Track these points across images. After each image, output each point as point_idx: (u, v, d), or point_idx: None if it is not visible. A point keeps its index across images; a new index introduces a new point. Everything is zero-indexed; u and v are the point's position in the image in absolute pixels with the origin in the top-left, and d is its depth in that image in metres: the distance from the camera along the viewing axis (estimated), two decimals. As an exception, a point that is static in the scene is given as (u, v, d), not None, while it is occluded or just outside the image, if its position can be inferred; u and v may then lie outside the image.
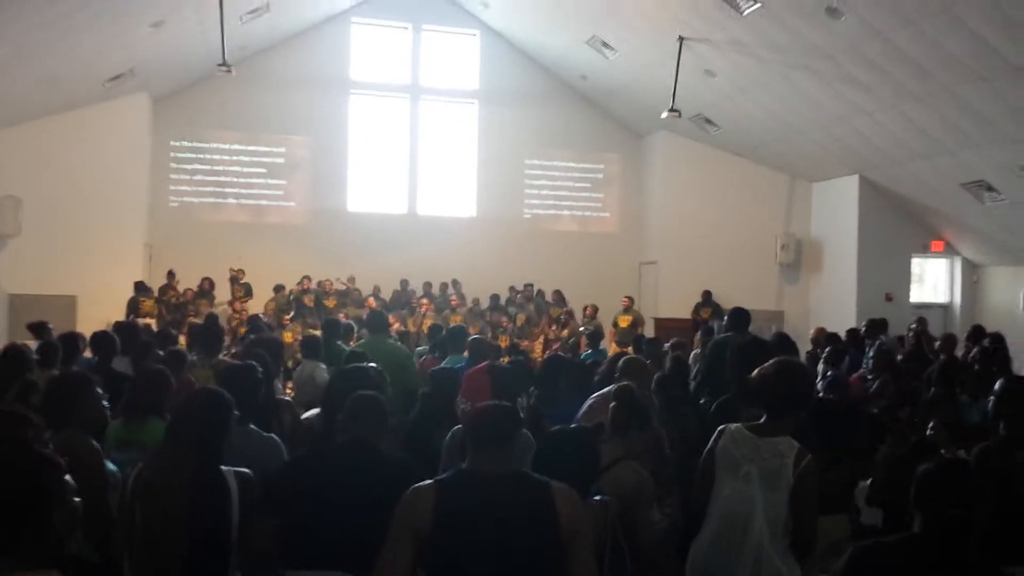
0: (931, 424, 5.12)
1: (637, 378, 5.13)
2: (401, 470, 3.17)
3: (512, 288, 16.32)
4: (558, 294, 15.95)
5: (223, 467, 3.18)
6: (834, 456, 4.30)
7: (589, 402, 5.21)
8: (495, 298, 16.08)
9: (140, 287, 14.03)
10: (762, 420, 3.47)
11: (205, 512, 3.05)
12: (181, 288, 14.71)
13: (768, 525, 3.26)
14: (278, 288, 14.89)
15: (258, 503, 3.23)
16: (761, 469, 3.32)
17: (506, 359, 8.85)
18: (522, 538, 2.44)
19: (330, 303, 14.94)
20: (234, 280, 14.91)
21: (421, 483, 2.60)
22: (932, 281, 16.92)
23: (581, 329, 14.63)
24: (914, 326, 11.29)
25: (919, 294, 16.57)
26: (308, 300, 14.66)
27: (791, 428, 3.42)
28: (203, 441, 3.15)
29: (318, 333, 8.96)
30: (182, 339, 9.74)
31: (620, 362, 5.39)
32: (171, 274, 14.76)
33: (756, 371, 3.55)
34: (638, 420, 4.17)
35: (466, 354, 7.39)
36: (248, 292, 14.92)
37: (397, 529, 2.53)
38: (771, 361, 3.60)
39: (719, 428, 3.54)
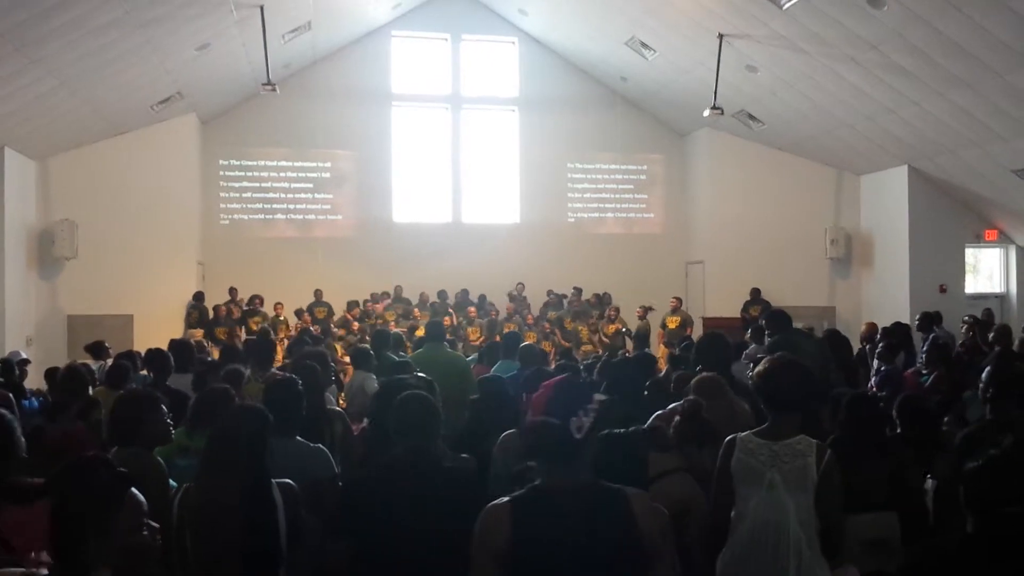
0: (946, 419, 5.05)
1: (711, 397, 4.92)
2: (461, 472, 3.17)
3: (550, 292, 16.46)
4: (603, 296, 15.96)
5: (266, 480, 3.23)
6: (868, 450, 4.26)
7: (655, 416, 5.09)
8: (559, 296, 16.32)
9: (197, 297, 14.62)
10: (768, 424, 3.41)
11: (255, 527, 3.08)
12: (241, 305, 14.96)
13: (802, 529, 3.21)
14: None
15: (326, 527, 3.26)
16: (784, 474, 3.25)
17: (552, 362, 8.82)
18: (603, 551, 2.38)
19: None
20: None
21: (496, 502, 2.56)
22: (987, 271, 16.58)
23: (624, 330, 14.60)
24: (967, 318, 11.08)
25: (974, 284, 16.25)
26: (355, 327, 14.84)
27: (799, 427, 3.37)
28: (244, 458, 3.17)
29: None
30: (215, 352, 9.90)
31: (693, 381, 5.17)
32: (233, 291, 15.04)
33: (755, 371, 3.51)
34: (700, 436, 4.12)
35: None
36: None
37: (477, 551, 2.50)
38: (765, 360, 3.54)
39: (726, 440, 3.46)
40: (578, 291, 16.11)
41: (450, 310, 15.59)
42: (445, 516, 2.91)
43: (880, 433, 4.45)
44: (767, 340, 6.62)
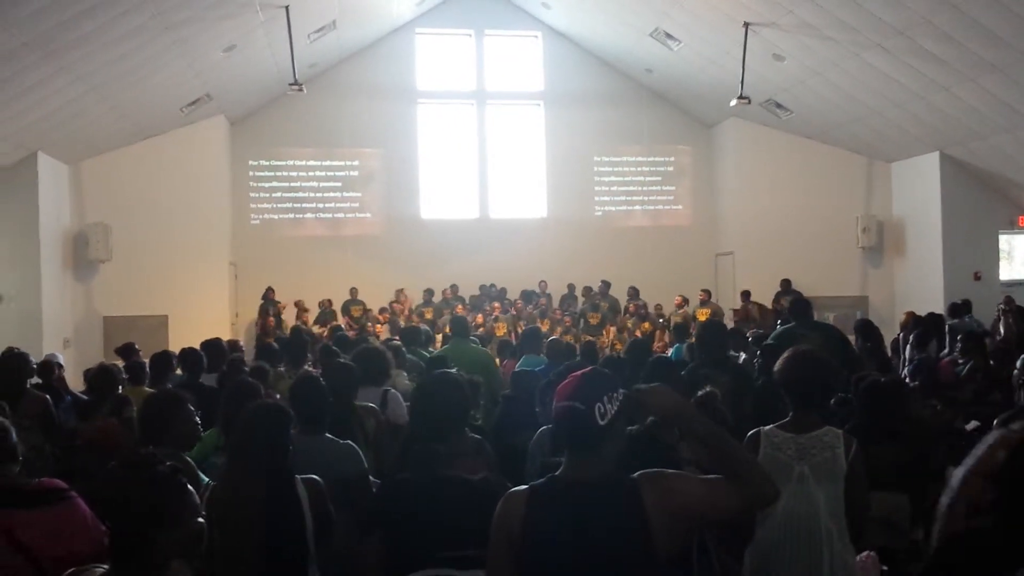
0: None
1: None
2: (490, 498, 3.17)
3: (570, 286, 16.54)
4: (633, 290, 15.93)
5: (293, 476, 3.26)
6: (880, 434, 4.29)
7: None
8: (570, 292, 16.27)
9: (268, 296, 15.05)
10: (790, 417, 3.41)
11: (280, 523, 3.12)
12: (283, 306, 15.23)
13: (832, 520, 3.23)
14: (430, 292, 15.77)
15: (359, 522, 3.29)
16: (814, 466, 3.27)
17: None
18: (612, 547, 2.34)
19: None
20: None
21: (516, 488, 2.55)
22: (1022, 257, 16.33)
23: (661, 321, 14.56)
24: (1002, 305, 10.92)
25: (1009, 271, 16.00)
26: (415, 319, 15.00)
27: (822, 419, 3.39)
28: (267, 454, 3.21)
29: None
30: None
31: None
32: (270, 290, 15.25)
33: (777, 365, 3.51)
34: None
35: (543, 355, 7.47)
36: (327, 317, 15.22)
37: (495, 536, 2.50)
38: (787, 353, 3.55)
39: (750, 434, 3.45)
40: (606, 284, 16.08)
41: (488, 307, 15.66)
42: (466, 529, 2.92)
43: (892, 418, 4.46)
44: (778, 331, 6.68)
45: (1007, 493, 2.46)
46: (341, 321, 14.67)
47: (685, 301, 14.67)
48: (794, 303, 6.89)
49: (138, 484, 2.14)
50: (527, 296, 16.25)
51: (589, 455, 2.43)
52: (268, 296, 15.21)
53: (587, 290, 16.32)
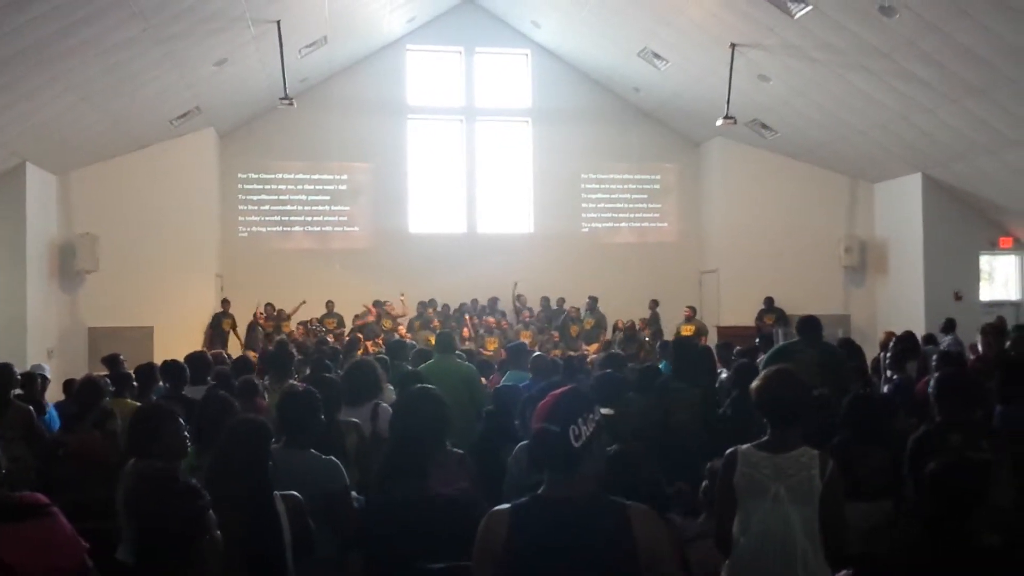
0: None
1: None
2: (469, 511, 3.19)
3: (544, 298, 16.64)
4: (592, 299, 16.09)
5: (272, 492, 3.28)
6: (866, 443, 4.39)
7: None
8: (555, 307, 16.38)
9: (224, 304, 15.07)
10: (767, 436, 3.42)
11: (259, 538, 3.13)
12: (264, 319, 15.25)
13: (808, 540, 3.23)
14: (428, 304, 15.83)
15: (344, 540, 3.29)
16: (789, 487, 3.27)
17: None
18: (596, 565, 2.37)
19: (387, 324, 15.19)
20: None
21: (498, 507, 2.57)
22: (1002, 278, 16.51)
23: (647, 338, 14.62)
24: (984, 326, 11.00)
25: (990, 292, 16.18)
26: (387, 323, 15.06)
27: (800, 438, 3.39)
28: (247, 470, 3.22)
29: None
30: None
31: None
32: (270, 306, 15.39)
33: (753, 385, 3.54)
34: None
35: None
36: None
37: (477, 554, 2.53)
38: (763, 373, 3.58)
39: (727, 453, 3.47)
40: (593, 300, 16.16)
41: (468, 319, 15.71)
42: (446, 543, 2.95)
43: (879, 428, 4.58)
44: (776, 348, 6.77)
45: (932, 506, 2.56)
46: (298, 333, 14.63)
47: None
48: (802, 321, 6.98)
49: (174, 496, 2.17)
50: (492, 304, 16.44)
51: (568, 474, 2.46)
52: (224, 308, 15.27)
53: (544, 300, 16.49)
